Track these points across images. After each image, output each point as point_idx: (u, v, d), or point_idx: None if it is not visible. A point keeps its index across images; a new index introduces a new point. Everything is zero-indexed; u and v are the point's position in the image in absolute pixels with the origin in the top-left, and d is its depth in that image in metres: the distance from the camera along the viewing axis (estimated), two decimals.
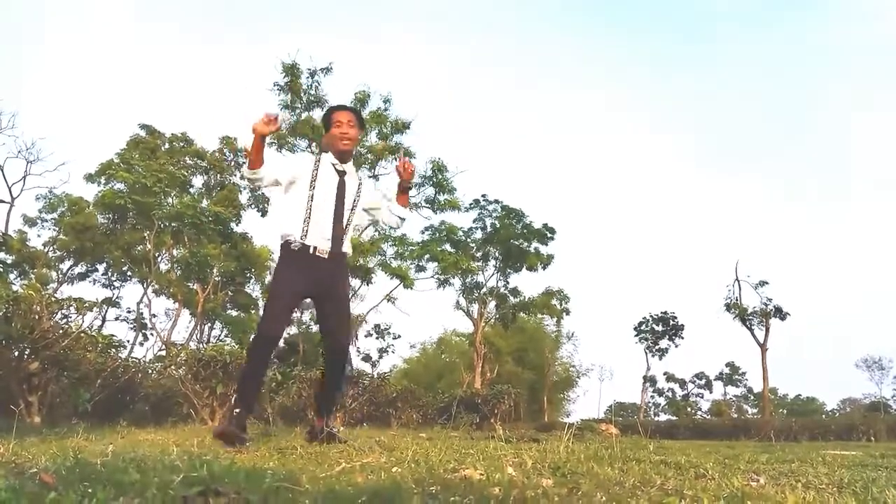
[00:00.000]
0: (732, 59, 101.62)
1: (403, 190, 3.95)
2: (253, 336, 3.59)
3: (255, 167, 3.51)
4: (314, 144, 19.81)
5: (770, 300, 31.33)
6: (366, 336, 39.90)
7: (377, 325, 38.76)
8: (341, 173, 3.74)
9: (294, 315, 4.61)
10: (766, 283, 31.94)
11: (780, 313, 31.01)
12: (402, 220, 3.98)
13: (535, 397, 40.91)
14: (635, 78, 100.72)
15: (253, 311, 31.03)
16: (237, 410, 3.35)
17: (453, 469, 1.96)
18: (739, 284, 32.65)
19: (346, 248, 3.70)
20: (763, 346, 30.51)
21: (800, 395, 79.79)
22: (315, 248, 3.56)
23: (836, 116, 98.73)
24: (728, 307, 32.20)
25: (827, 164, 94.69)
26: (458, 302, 29.54)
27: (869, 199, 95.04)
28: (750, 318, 31.23)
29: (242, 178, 5.25)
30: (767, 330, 30.71)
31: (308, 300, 3.88)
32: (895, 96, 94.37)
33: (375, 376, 12.37)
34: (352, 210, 3.72)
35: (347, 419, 10.38)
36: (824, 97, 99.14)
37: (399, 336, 41.02)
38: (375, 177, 21.33)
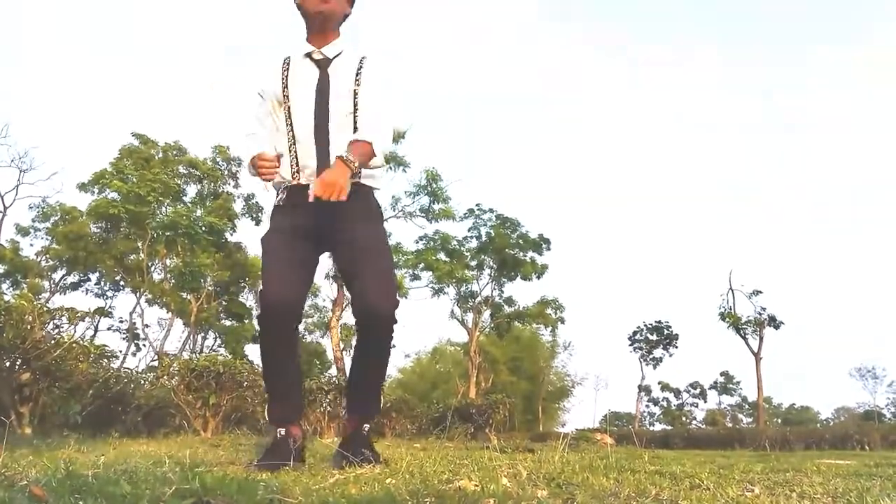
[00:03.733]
0: (728, 73, 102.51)
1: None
2: (257, 316, 2.55)
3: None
4: None
5: (764, 309, 31.44)
6: None
7: None
8: (322, 64, 2.53)
9: (309, 279, 2.33)
10: (760, 292, 32.06)
11: (774, 322, 31.11)
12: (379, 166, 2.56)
13: (530, 407, 40.87)
14: (633, 83, 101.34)
15: (247, 321, 30.93)
16: (280, 431, 2.46)
17: (448, 480, 1.95)
18: (733, 293, 32.75)
19: (357, 135, 2.44)
20: (757, 356, 30.57)
21: (794, 404, 79.95)
22: (310, 185, 2.39)
23: (825, 122, 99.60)
24: (722, 316, 32.26)
25: (819, 174, 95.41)
26: (452, 311, 29.58)
27: (862, 207, 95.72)
28: (744, 327, 31.30)
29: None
30: (761, 339, 30.78)
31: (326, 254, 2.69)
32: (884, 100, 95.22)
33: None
34: (354, 112, 2.49)
35: (341, 429, 10.32)
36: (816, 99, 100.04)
37: (394, 346, 40.90)
38: None
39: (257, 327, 2.53)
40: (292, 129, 2.48)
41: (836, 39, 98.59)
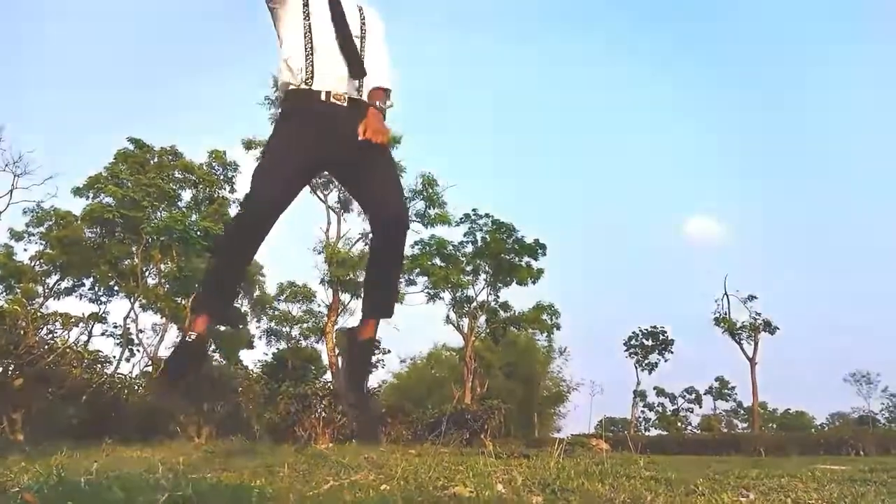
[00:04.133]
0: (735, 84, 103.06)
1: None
2: (238, 210, 2.59)
3: None
4: None
5: (759, 314, 31.56)
6: None
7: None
8: None
9: (299, 189, 2.27)
10: (755, 297, 32.17)
11: (768, 327, 31.20)
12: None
13: (526, 412, 40.79)
14: (631, 89, 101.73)
15: (241, 327, 30.84)
16: (191, 334, 2.44)
17: (443, 486, 1.95)
18: (728, 299, 32.87)
19: (375, 82, 2.62)
20: (752, 361, 30.64)
21: (789, 409, 79.88)
22: (328, 92, 2.51)
23: (821, 128, 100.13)
24: (717, 321, 32.35)
25: (815, 181, 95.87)
26: (448, 316, 29.50)
27: (855, 213, 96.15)
28: (739, 332, 31.39)
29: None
30: (756, 344, 30.88)
31: (327, 173, 2.79)
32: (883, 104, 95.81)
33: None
34: (361, 37, 2.66)
35: (336, 435, 10.29)
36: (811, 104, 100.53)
37: (389, 351, 40.78)
38: None
39: (235, 222, 2.61)
40: (311, 37, 2.56)
41: (820, 40, 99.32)
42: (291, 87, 2.54)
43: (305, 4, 2.59)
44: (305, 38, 2.55)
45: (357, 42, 2.61)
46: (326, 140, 2.48)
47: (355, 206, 21.24)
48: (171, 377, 2.48)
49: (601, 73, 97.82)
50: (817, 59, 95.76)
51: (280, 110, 2.67)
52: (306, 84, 2.51)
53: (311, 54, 2.52)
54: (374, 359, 2.64)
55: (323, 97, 2.50)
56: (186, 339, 2.45)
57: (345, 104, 2.51)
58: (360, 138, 2.36)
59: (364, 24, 2.68)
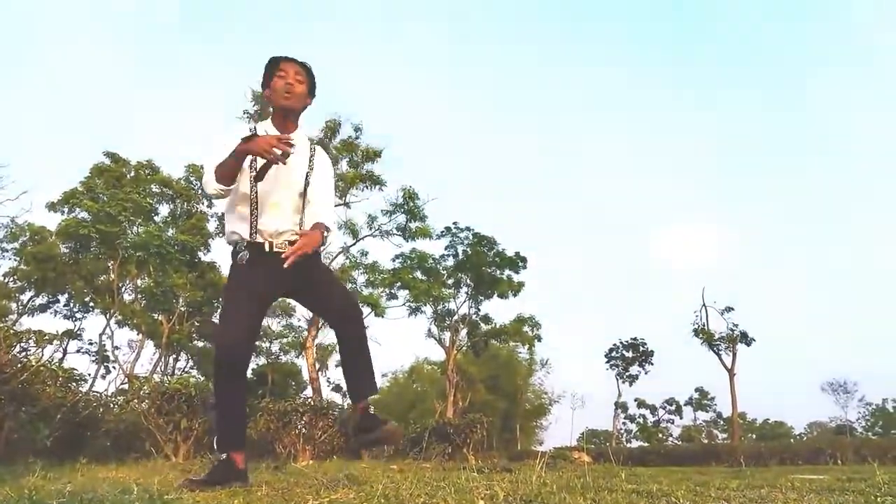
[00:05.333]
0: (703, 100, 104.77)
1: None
2: (213, 357, 2.90)
3: (228, 184, 2.83)
4: None
5: (736, 325, 31.88)
6: (336, 366, 39.45)
7: None
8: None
9: (260, 324, 2.76)
10: (732, 308, 32.52)
11: (745, 338, 31.53)
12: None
13: (508, 425, 40.76)
14: (611, 104, 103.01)
15: None
16: (222, 456, 2.84)
17: (424, 503, 1.93)
18: (706, 310, 33.18)
19: (317, 218, 2.98)
20: (731, 371, 30.92)
21: (768, 419, 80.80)
22: (271, 244, 2.89)
23: (798, 140, 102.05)
24: (696, 333, 32.63)
25: (789, 191, 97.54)
26: (429, 330, 29.41)
27: (830, 224, 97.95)
28: (717, 343, 31.68)
29: (208, 197, 4.75)
30: (734, 355, 31.17)
31: (283, 299, 3.23)
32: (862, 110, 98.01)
33: (346, 407, 12.19)
34: (305, 185, 2.98)
35: (317, 452, 10.18)
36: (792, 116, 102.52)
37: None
38: (346, 204, 21.33)
39: (215, 370, 2.86)
40: (256, 196, 2.90)
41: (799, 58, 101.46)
42: (236, 240, 2.92)
43: (253, 160, 2.85)
44: (252, 193, 2.89)
45: (300, 194, 2.98)
46: (271, 279, 2.86)
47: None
48: (209, 484, 2.71)
49: (584, 74, 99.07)
50: (809, 63, 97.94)
51: (231, 266, 2.97)
52: (251, 237, 2.89)
53: (257, 209, 2.90)
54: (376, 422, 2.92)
55: (267, 248, 2.89)
56: (229, 464, 2.82)
57: (284, 250, 2.80)
58: (287, 261, 2.69)
59: (313, 157, 3.06)
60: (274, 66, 2.98)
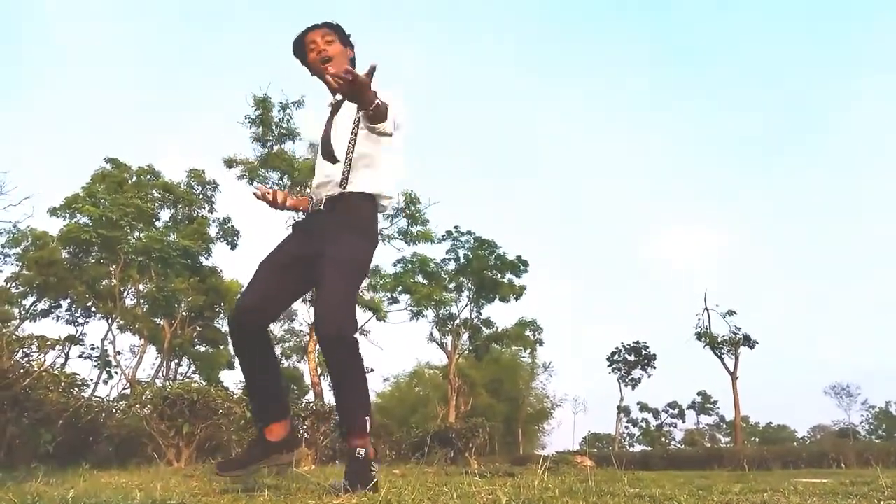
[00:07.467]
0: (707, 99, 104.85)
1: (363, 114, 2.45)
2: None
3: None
4: (286, 177, 19.78)
5: (739, 329, 31.80)
6: None
7: None
8: (335, 108, 2.82)
9: (282, 291, 2.68)
10: (735, 312, 32.44)
11: (748, 342, 31.45)
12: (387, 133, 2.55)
13: (511, 429, 40.65)
14: (611, 108, 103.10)
15: (222, 347, 30.46)
16: (260, 424, 2.71)
17: None
18: (709, 314, 33.12)
19: (355, 185, 2.64)
20: (733, 375, 30.84)
21: (771, 422, 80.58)
22: (312, 199, 2.74)
23: (800, 143, 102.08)
24: (698, 336, 32.57)
25: (792, 196, 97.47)
26: (431, 334, 29.43)
27: (833, 226, 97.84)
28: (720, 346, 31.61)
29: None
30: (737, 358, 31.08)
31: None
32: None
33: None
34: (352, 139, 2.68)
35: (319, 457, 10.17)
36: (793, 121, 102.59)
37: (372, 370, 40.58)
38: None
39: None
40: (314, 164, 2.82)
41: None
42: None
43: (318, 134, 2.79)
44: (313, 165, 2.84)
45: (343, 143, 2.68)
46: (302, 240, 2.67)
47: None
48: (236, 466, 2.65)
49: (580, 84, 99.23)
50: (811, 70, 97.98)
51: None
52: (312, 207, 2.74)
53: (314, 175, 2.81)
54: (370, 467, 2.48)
55: (311, 206, 2.73)
56: (258, 445, 2.66)
57: (321, 208, 2.66)
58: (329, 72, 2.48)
59: (356, 124, 2.69)
60: (299, 46, 2.83)
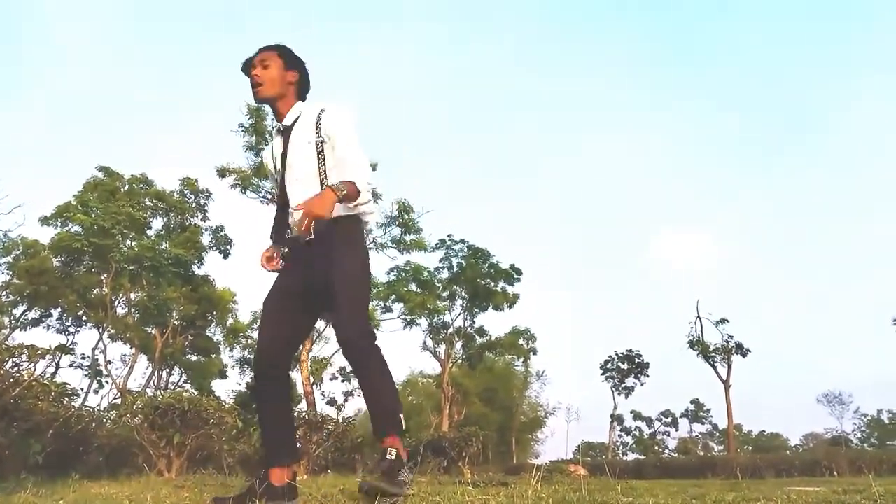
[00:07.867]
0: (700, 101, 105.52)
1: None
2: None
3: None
4: None
5: (731, 337, 31.89)
6: (331, 379, 39.32)
7: (342, 368, 38.23)
8: (285, 131, 2.78)
9: (293, 326, 2.76)
10: (727, 320, 32.54)
11: (741, 350, 31.54)
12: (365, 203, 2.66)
13: (504, 438, 40.58)
14: (606, 114, 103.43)
15: (214, 356, 30.28)
16: (266, 466, 2.65)
17: None
18: (701, 322, 33.20)
19: (335, 210, 2.51)
20: (726, 383, 30.90)
21: (764, 431, 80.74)
22: (289, 233, 2.74)
23: (788, 152, 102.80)
24: (691, 344, 32.63)
25: (792, 196, 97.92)
26: (424, 342, 29.38)
27: (827, 235, 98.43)
28: (712, 355, 31.68)
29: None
30: (730, 367, 31.16)
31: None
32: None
33: (341, 421, 12.13)
34: (321, 164, 2.67)
35: (312, 466, 10.10)
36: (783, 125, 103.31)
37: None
38: None
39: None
40: (278, 196, 2.78)
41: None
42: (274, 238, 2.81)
43: (267, 163, 2.89)
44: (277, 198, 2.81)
45: (312, 169, 2.66)
46: (299, 274, 2.65)
47: None
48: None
49: (582, 74, 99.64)
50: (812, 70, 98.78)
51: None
52: (276, 235, 2.80)
53: (279, 209, 2.79)
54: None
55: (288, 238, 2.74)
56: (263, 479, 2.58)
57: (303, 239, 2.60)
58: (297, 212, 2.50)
59: (319, 125, 2.69)
60: (247, 70, 2.80)
